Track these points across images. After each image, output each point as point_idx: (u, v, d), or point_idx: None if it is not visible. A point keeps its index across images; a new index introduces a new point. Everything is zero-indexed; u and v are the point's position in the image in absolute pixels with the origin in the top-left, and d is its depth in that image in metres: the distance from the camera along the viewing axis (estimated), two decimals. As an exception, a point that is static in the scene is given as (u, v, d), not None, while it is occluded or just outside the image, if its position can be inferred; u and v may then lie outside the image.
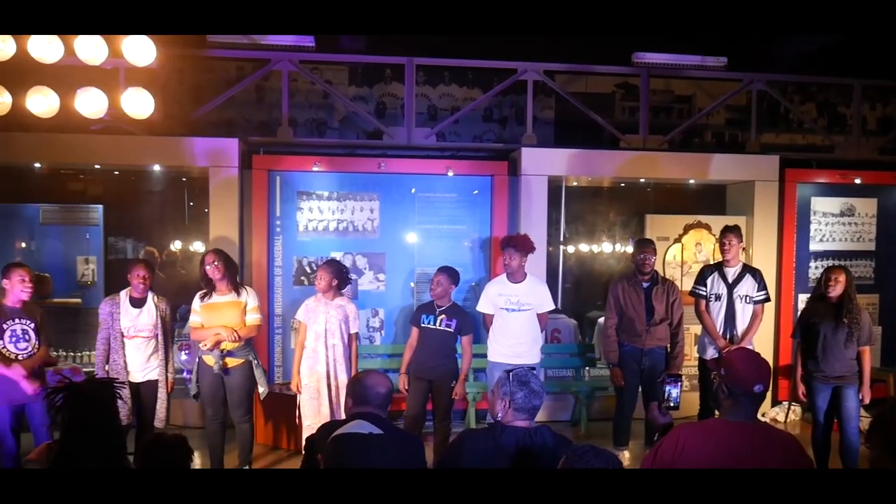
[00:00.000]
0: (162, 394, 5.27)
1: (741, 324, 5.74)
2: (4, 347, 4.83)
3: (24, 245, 6.90)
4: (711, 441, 2.59)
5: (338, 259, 6.45)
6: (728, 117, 8.76)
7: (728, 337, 5.73)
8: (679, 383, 3.10)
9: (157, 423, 5.27)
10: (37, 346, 4.98)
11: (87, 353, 6.81)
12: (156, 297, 5.34)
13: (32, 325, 4.96)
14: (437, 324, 5.47)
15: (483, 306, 5.67)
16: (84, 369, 6.36)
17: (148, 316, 5.26)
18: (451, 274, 5.55)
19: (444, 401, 5.47)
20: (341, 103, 7.88)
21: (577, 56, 7.41)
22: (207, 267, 5.28)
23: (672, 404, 3.11)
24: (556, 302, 6.10)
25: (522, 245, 5.55)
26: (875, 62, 7.89)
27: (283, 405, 6.01)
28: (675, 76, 8.17)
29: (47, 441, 2.62)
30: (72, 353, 6.78)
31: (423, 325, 5.50)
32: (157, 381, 5.27)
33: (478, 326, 6.29)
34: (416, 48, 7.14)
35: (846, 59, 7.97)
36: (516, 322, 5.47)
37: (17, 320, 4.89)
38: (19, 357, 4.87)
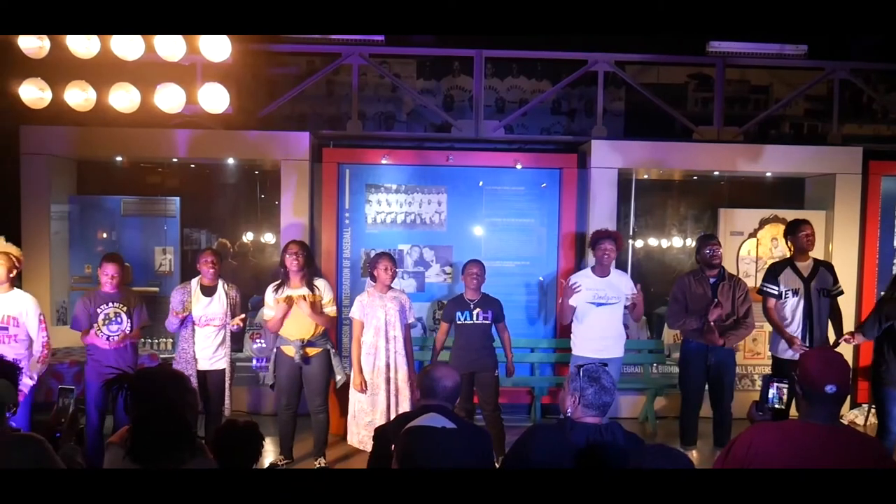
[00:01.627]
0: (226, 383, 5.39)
1: (820, 318, 5.50)
2: (98, 329, 5.17)
3: (105, 235, 7.18)
4: (786, 442, 2.51)
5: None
6: (807, 108, 8.44)
7: (808, 330, 5.46)
8: (776, 384, 2.97)
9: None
10: (128, 328, 5.27)
11: (165, 339, 7.05)
12: (226, 285, 5.45)
13: (125, 309, 5.27)
14: (475, 318, 5.48)
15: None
16: (161, 356, 6.58)
17: (219, 304, 5.37)
18: (482, 264, 5.60)
19: (489, 391, 5.47)
20: (410, 96, 7.92)
21: (649, 46, 7.24)
22: (288, 256, 5.35)
23: (769, 405, 3.01)
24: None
25: (618, 238, 5.56)
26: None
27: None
28: (752, 66, 7.91)
29: (127, 424, 2.66)
30: (149, 340, 7.02)
31: (459, 321, 5.50)
32: (223, 370, 5.37)
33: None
34: (484, 40, 7.11)
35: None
36: (603, 316, 5.41)
37: (110, 304, 5.23)
38: (110, 338, 5.18)
